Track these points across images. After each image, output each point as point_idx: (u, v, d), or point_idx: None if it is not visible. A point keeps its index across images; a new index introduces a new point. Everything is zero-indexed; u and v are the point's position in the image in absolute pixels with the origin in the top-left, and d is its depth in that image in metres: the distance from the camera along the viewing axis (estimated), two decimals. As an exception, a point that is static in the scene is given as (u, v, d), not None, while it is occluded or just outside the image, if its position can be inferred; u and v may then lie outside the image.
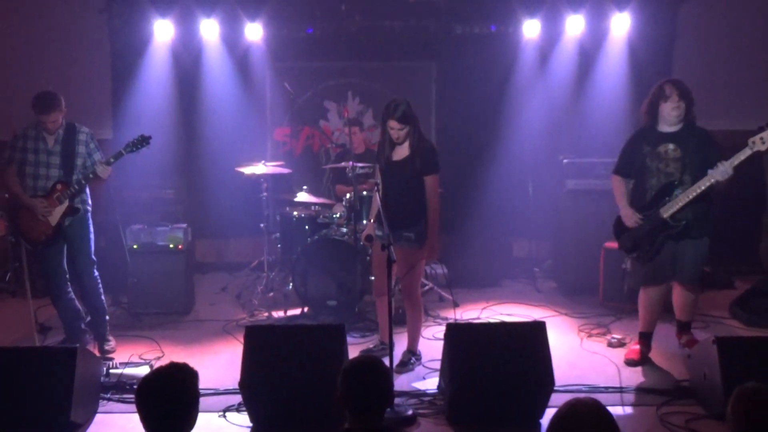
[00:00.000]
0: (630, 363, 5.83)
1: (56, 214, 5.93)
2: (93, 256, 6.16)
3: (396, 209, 5.44)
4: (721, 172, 5.25)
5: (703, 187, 5.36)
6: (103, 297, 6.28)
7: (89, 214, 6.14)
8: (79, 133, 6.03)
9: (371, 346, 6.16)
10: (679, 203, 5.47)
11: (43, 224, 5.92)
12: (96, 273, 6.18)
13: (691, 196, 5.41)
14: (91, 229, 6.15)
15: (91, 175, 5.92)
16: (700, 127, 5.61)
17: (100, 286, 6.23)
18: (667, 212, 5.52)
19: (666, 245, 5.59)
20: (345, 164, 6.88)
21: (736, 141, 5.36)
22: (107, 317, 6.35)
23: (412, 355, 5.85)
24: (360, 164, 6.80)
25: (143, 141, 6.02)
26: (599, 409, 2.64)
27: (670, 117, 5.53)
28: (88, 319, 6.25)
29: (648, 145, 5.64)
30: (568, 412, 2.64)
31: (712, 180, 5.30)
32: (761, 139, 5.14)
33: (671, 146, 5.55)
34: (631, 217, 5.70)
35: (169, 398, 2.99)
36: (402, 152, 5.64)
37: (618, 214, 5.84)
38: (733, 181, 5.31)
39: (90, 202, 6.17)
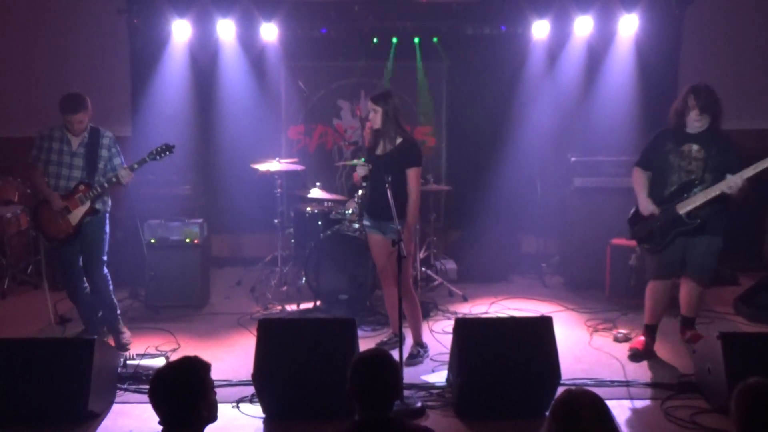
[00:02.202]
0: (634, 353, 5.80)
1: (77, 214, 5.93)
2: (104, 256, 6.12)
3: (381, 201, 5.36)
4: (731, 185, 5.25)
5: (714, 194, 5.35)
6: (113, 294, 6.24)
7: (107, 215, 6.14)
8: (103, 137, 6.04)
9: (385, 339, 6.14)
10: (697, 201, 5.43)
11: (65, 223, 5.92)
12: (106, 271, 6.15)
13: (708, 197, 5.38)
14: (107, 229, 6.14)
15: (114, 179, 5.93)
16: (724, 133, 5.56)
17: (110, 283, 6.20)
18: (683, 209, 5.48)
19: (677, 240, 5.55)
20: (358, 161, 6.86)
21: (744, 140, 5.31)
22: (119, 312, 6.32)
23: (419, 347, 5.83)
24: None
25: (167, 149, 6.03)
26: (599, 402, 2.71)
27: (693, 126, 5.53)
28: (101, 313, 6.25)
29: (672, 143, 5.61)
30: (570, 399, 2.72)
31: (723, 189, 5.29)
32: None
33: (695, 146, 5.52)
34: (648, 207, 5.66)
35: (181, 390, 2.99)
36: (384, 146, 5.65)
37: (635, 206, 5.82)
38: (745, 190, 5.28)
39: (110, 201, 6.18)
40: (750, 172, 5.23)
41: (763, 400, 2.85)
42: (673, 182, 5.60)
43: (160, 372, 3.13)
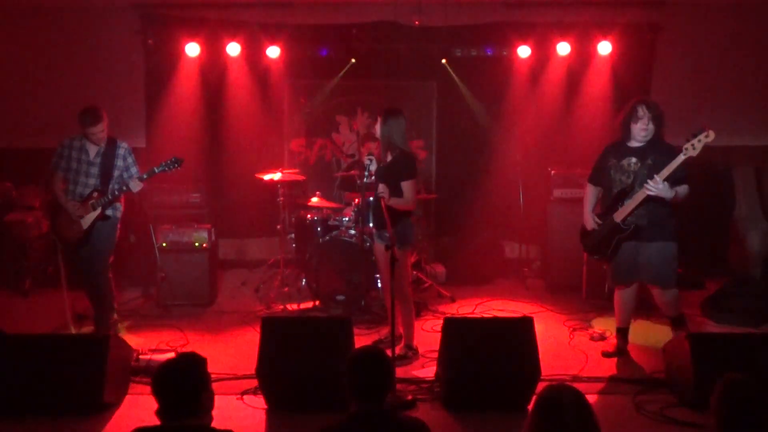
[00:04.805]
0: (607, 355, 5.80)
1: (88, 219, 5.92)
2: (109, 260, 6.08)
3: (377, 212, 5.30)
4: (649, 187, 5.17)
5: (640, 198, 5.28)
6: (113, 298, 6.17)
7: (118, 222, 6.11)
8: (119, 148, 6.04)
9: (381, 338, 6.11)
10: (628, 208, 5.39)
11: (77, 228, 5.91)
12: (110, 275, 6.10)
13: (636, 202, 5.33)
14: (116, 234, 6.10)
15: (124, 188, 5.92)
16: (666, 144, 5.42)
17: (112, 287, 6.16)
18: (618, 217, 5.46)
19: (625, 247, 5.50)
20: (354, 172, 6.87)
21: (709, 156, 5.29)
22: (114, 316, 6.21)
23: (409, 349, 5.76)
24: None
25: (175, 162, 6.00)
26: (580, 396, 2.69)
27: (638, 136, 5.43)
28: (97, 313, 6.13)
29: (615, 158, 5.55)
30: (552, 394, 2.69)
31: (645, 192, 5.22)
32: (692, 145, 5.07)
33: (633, 160, 5.44)
34: (589, 222, 5.71)
35: (180, 385, 2.98)
36: (384, 159, 5.65)
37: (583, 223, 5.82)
38: (675, 190, 5.17)
39: (122, 208, 6.15)
40: (665, 172, 5.14)
41: (742, 394, 2.87)
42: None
43: (166, 366, 3.08)
